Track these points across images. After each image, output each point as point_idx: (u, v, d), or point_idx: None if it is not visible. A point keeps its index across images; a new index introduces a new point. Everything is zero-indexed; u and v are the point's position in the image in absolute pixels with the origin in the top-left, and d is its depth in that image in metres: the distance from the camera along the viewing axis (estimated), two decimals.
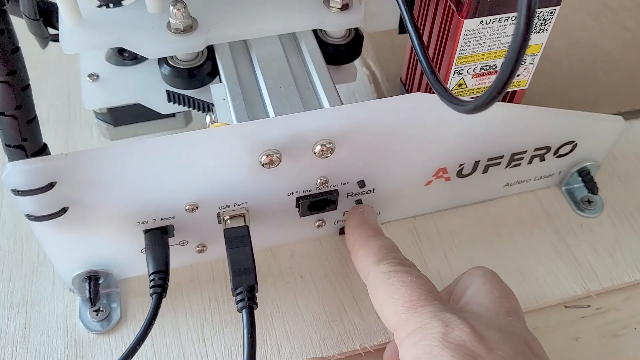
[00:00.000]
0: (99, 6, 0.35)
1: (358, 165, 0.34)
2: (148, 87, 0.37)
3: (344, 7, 0.35)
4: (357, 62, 0.40)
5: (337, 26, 0.36)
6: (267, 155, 0.31)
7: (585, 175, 0.41)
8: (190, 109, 0.36)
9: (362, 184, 0.36)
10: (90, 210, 0.31)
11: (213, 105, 0.34)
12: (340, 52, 0.37)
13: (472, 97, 0.36)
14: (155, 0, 0.34)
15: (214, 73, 0.36)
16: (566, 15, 0.54)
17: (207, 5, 0.35)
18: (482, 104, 0.24)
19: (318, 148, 0.31)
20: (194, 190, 0.32)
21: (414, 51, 0.32)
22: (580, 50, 0.52)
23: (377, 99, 0.47)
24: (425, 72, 0.30)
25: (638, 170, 0.44)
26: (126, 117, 0.39)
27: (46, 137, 0.44)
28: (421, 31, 0.36)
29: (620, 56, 0.51)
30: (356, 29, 0.37)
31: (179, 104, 0.36)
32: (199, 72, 0.35)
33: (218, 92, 0.33)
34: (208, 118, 0.34)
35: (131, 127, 0.40)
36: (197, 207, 0.33)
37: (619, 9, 0.55)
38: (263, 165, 0.31)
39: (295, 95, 0.33)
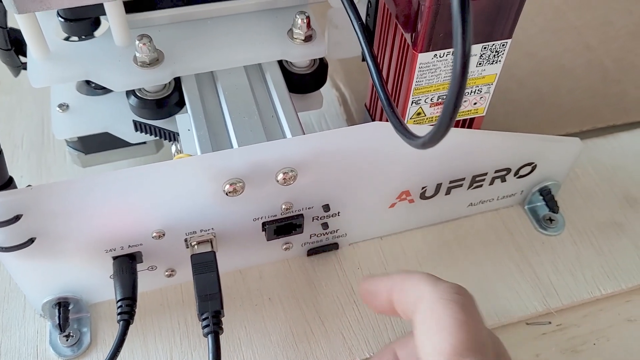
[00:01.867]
0: (66, 39, 0.36)
1: (322, 191, 0.35)
2: (117, 117, 0.38)
3: (307, 38, 0.36)
4: (326, 84, 0.40)
5: (300, 57, 0.37)
6: (231, 184, 0.31)
7: (546, 195, 0.42)
8: (157, 138, 0.37)
9: (326, 207, 0.36)
10: (57, 240, 0.31)
11: (179, 135, 0.35)
12: (305, 82, 0.38)
13: (431, 124, 0.37)
14: (121, 33, 0.34)
15: (181, 103, 0.36)
16: (531, 35, 0.56)
17: (173, 37, 0.36)
18: (428, 141, 0.25)
19: (280, 176, 0.32)
20: (160, 219, 0.33)
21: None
22: (544, 69, 0.53)
23: (346, 120, 0.49)
24: (383, 105, 0.31)
25: (599, 188, 0.46)
26: (97, 144, 0.40)
27: (19, 162, 0.45)
28: (381, 62, 0.37)
29: (583, 75, 0.53)
30: (321, 59, 0.38)
31: (146, 133, 0.37)
32: (166, 103, 0.36)
33: (183, 122, 0.34)
34: (174, 147, 0.35)
35: (102, 155, 0.41)
36: (163, 235, 0.33)
37: (583, 27, 0.57)
38: (227, 194, 0.32)
39: (258, 125, 0.34)
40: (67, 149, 0.40)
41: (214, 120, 0.34)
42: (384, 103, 0.31)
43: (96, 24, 0.36)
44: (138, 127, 0.37)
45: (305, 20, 0.36)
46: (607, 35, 0.56)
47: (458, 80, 0.22)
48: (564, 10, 0.59)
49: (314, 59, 0.38)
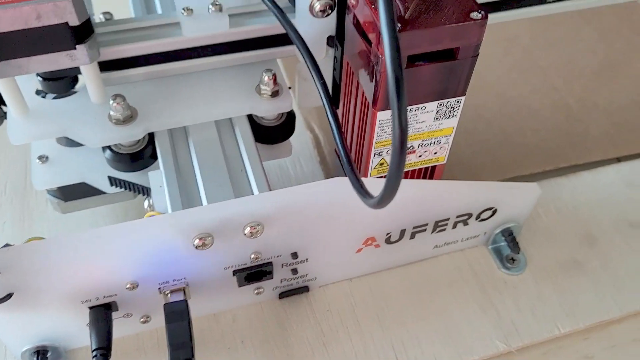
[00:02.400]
0: (39, 93, 0.37)
1: (289, 241, 0.37)
2: (95, 167, 0.40)
3: (274, 94, 0.38)
4: (301, 126, 0.42)
5: (268, 112, 0.39)
6: (200, 239, 0.33)
7: (508, 236, 0.44)
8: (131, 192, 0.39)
9: (295, 255, 0.38)
10: (35, 294, 0.33)
11: (151, 190, 0.36)
12: (274, 133, 0.40)
13: None
14: (97, 92, 0.36)
15: (155, 156, 0.38)
16: (499, 75, 0.58)
17: (147, 94, 0.38)
18: (378, 202, 0.27)
19: (248, 230, 0.34)
20: (133, 272, 0.34)
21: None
22: (511, 109, 0.55)
23: (319, 162, 0.51)
24: (342, 162, 0.33)
25: (561, 227, 0.47)
26: (76, 192, 0.41)
27: (2, 209, 0.47)
28: (347, 112, 0.39)
29: (548, 115, 0.55)
30: (288, 112, 0.40)
31: (121, 188, 0.38)
32: (140, 156, 0.38)
33: (155, 179, 0.36)
34: (146, 202, 0.36)
35: (81, 202, 0.42)
36: (137, 286, 0.35)
37: (549, 67, 0.59)
38: (196, 248, 0.34)
39: (226, 181, 0.36)
40: (47, 196, 0.42)
41: (184, 176, 0.36)
42: (344, 161, 0.33)
43: (74, 81, 0.38)
44: (113, 182, 0.38)
45: (271, 77, 0.38)
46: (572, 75, 0.58)
47: (397, 153, 0.23)
48: (531, 49, 0.61)
49: (282, 112, 0.40)
